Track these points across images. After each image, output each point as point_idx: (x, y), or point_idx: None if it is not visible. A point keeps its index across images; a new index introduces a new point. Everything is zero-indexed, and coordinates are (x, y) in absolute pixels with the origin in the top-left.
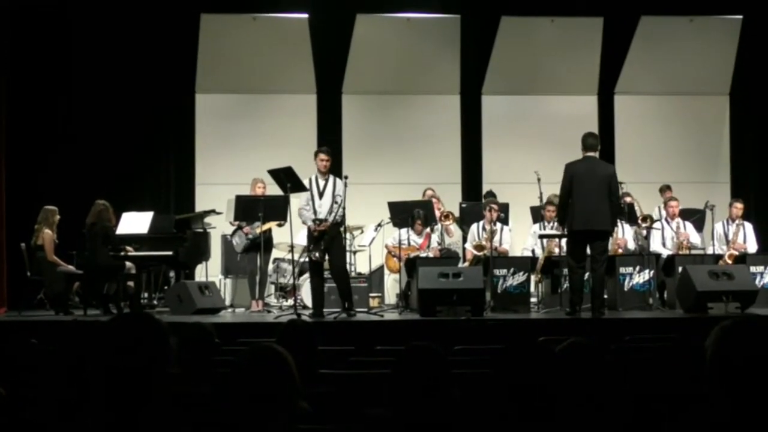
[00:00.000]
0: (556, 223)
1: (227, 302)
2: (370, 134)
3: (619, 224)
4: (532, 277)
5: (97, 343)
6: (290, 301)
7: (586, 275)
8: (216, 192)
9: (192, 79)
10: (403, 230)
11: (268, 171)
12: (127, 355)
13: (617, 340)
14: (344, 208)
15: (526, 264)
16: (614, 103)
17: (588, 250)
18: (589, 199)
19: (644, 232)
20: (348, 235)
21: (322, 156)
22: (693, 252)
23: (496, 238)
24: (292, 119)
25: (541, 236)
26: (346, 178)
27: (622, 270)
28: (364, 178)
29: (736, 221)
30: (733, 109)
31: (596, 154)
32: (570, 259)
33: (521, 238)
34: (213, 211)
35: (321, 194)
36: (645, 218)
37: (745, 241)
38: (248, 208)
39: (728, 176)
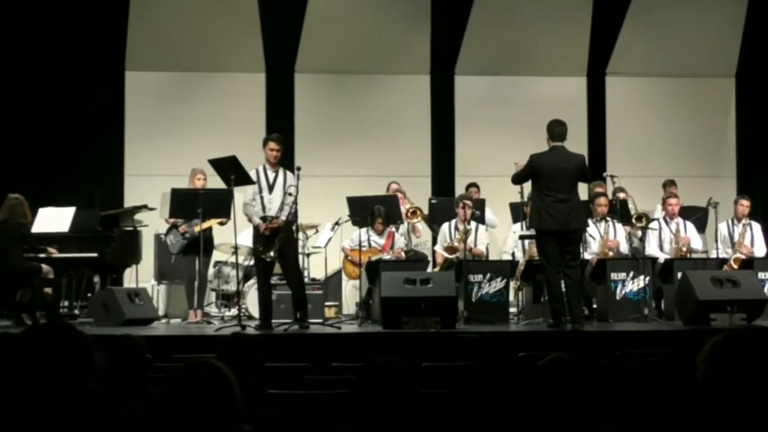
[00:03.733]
0: (515, 228)
1: (161, 312)
2: (327, 119)
3: (610, 223)
4: (512, 284)
5: (9, 359)
6: (233, 311)
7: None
8: (148, 184)
9: (121, 53)
10: (364, 230)
11: (208, 161)
12: (43, 371)
13: (607, 356)
14: (297, 204)
15: (505, 269)
16: (605, 85)
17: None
18: (559, 196)
19: (639, 232)
20: (301, 235)
21: (273, 145)
22: (694, 256)
23: (471, 238)
24: (238, 102)
25: (522, 237)
26: (298, 169)
27: (613, 276)
28: (319, 170)
29: (743, 221)
30: (740, 93)
31: (563, 144)
32: (544, 262)
33: (500, 238)
34: (145, 207)
35: (271, 188)
36: (640, 217)
37: (752, 244)
38: (186, 204)
39: (734, 170)
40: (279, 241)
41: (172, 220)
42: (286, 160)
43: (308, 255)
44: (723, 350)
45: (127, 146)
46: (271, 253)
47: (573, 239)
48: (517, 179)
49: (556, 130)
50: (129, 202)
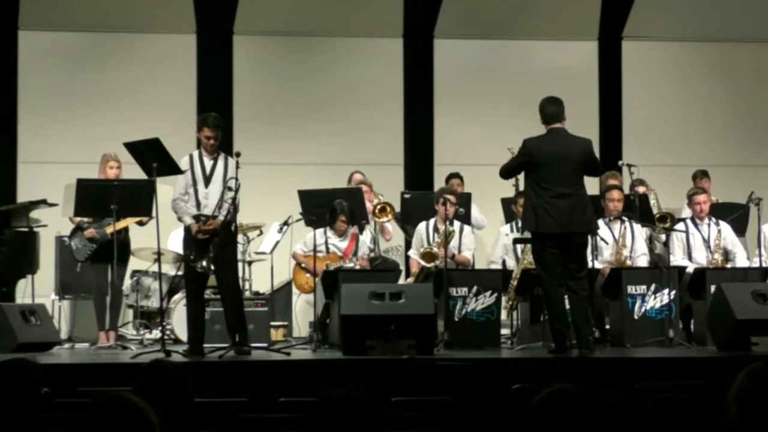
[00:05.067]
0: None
1: (63, 334)
2: (274, 93)
3: (626, 224)
4: (504, 300)
5: None
6: (156, 333)
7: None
8: (48, 174)
9: (13, 8)
10: (320, 231)
11: (124, 144)
12: None
13: (622, 389)
14: (238, 201)
15: (496, 281)
16: (621, 51)
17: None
18: (560, 191)
19: (662, 236)
20: (241, 239)
21: (208, 132)
22: (730, 265)
23: (453, 242)
24: (162, 71)
25: (516, 241)
26: (237, 155)
27: (630, 290)
28: (263, 156)
29: None
30: None
31: (562, 126)
32: (543, 273)
33: (489, 242)
34: (43, 202)
35: (207, 180)
36: (664, 217)
37: None
38: (95, 198)
39: None
40: (215, 247)
41: (77, 219)
42: (224, 145)
43: (250, 263)
44: (760, 382)
45: (21, 126)
46: (204, 263)
47: (578, 244)
48: (508, 171)
49: (549, 109)
50: (23, 196)
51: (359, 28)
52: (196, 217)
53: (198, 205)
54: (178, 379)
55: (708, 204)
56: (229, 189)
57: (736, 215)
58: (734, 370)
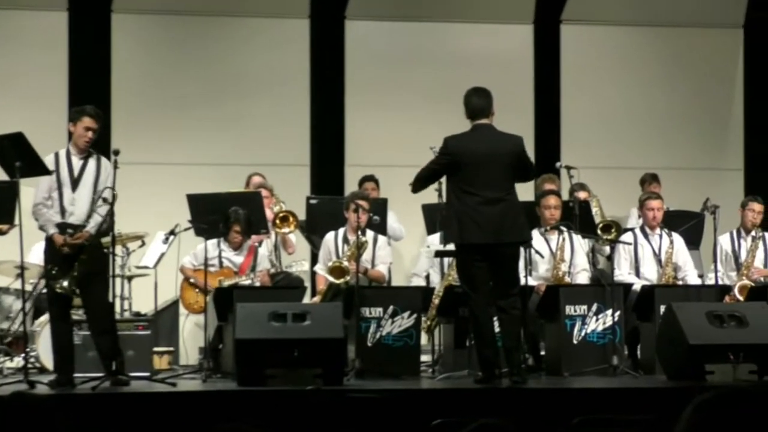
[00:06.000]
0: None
1: None
2: (158, 81)
3: (565, 235)
4: (424, 321)
5: None
6: (18, 360)
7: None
8: None
9: None
10: (212, 242)
11: None
12: None
13: (559, 424)
14: (112, 205)
15: (415, 299)
16: (560, 36)
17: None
18: (487, 195)
19: (606, 248)
20: (120, 251)
21: (89, 122)
22: (682, 282)
23: (367, 255)
24: (28, 53)
25: (439, 254)
26: (116, 154)
27: (569, 310)
28: (147, 155)
29: (752, 232)
30: (750, 49)
31: (490, 121)
32: (468, 289)
33: (408, 255)
34: None
35: (75, 183)
36: (608, 226)
37: (766, 264)
38: None
39: (740, 160)
40: (80, 264)
41: None
42: (99, 142)
43: (130, 279)
44: (710, 417)
45: None
46: (66, 283)
47: (509, 257)
48: (424, 180)
49: (475, 102)
50: None
51: (259, 6)
52: (62, 227)
53: (63, 212)
54: (43, 414)
55: (662, 211)
56: (104, 200)
57: (688, 225)
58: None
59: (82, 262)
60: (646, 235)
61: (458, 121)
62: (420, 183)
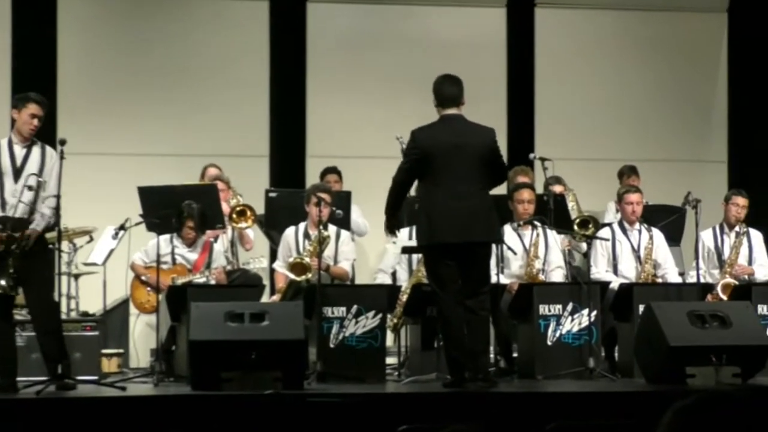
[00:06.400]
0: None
1: None
2: (109, 66)
3: (540, 231)
4: (390, 321)
5: None
6: None
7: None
8: None
9: None
10: (165, 237)
11: None
12: None
13: (533, 430)
14: (59, 199)
15: (380, 298)
16: (534, 20)
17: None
18: (458, 189)
19: (583, 245)
20: (66, 247)
21: (34, 108)
22: (662, 280)
23: (329, 251)
24: None
25: (406, 250)
26: (62, 143)
27: (543, 310)
28: (95, 145)
29: (737, 228)
30: (734, 34)
31: (460, 111)
32: (437, 288)
33: (372, 251)
34: None
35: (17, 173)
36: (585, 221)
37: (750, 261)
38: None
39: (724, 151)
40: (15, 260)
41: None
42: (43, 131)
43: (77, 277)
44: (690, 424)
45: None
46: (2, 282)
47: (481, 255)
48: (402, 184)
49: (447, 90)
50: None
51: None
52: (2, 221)
53: (3, 204)
54: None
55: (641, 205)
56: (29, 188)
57: (669, 220)
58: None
59: (16, 257)
60: (624, 231)
61: (427, 110)
62: (398, 188)
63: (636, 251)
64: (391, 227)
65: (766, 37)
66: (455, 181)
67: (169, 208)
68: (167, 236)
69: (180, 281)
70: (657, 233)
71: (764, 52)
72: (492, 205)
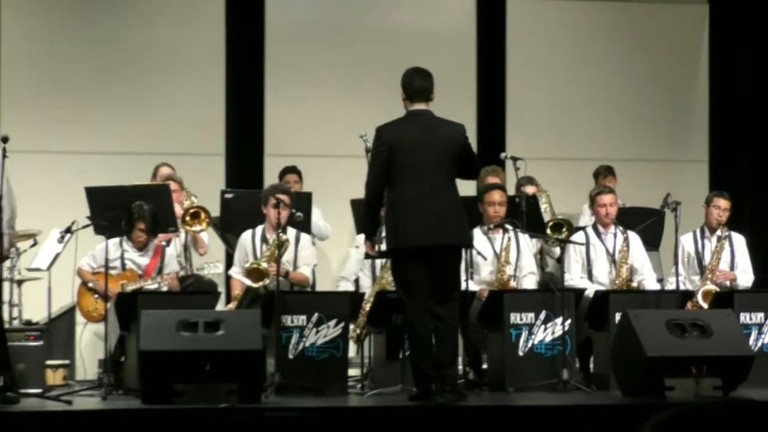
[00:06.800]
0: (360, 241)
1: None
2: (55, 59)
3: (511, 234)
4: (353, 330)
5: None
6: None
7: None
8: None
9: None
10: (114, 241)
11: None
12: None
13: None
14: (1, 200)
15: (342, 306)
16: (506, 11)
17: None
18: (425, 189)
19: (556, 249)
20: (12, 251)
21: None
22: (639, 286)
23: (288, 256)
24: None
25: (369, 256)
26: (4, 141)
27: (514, 318)
28: (39, 142)
29: (718, 231)
30: (716, 27)
31: (428, 107)
32: (404, 295)
33: (334, 256)
34: None
35: None
36: (558, 225)
37: (732, 267)
38: None
39: (705, 150)
40: None
41: None
42: None
43: (20, 283)
44: None
45: None
46: None
47: (450, 260)
48: (374, 183)
49: (417, 84)
50: None
51: None
52: None
53: None
54: None
55: (615, 207)
56: None
57: (647, 224)
58: (644, 421)
59: None
60: (598, 234)
61: (392, 106)
62: (374, 192)
63: (611, 255)
64: (366, 229)
65: (748, 29)
66: (423, 180)
67: (119, 210)
68: (116, 240)
69: (130, 288)
70: (633, 236)
71: (746, 44)
72: (462, 207)
